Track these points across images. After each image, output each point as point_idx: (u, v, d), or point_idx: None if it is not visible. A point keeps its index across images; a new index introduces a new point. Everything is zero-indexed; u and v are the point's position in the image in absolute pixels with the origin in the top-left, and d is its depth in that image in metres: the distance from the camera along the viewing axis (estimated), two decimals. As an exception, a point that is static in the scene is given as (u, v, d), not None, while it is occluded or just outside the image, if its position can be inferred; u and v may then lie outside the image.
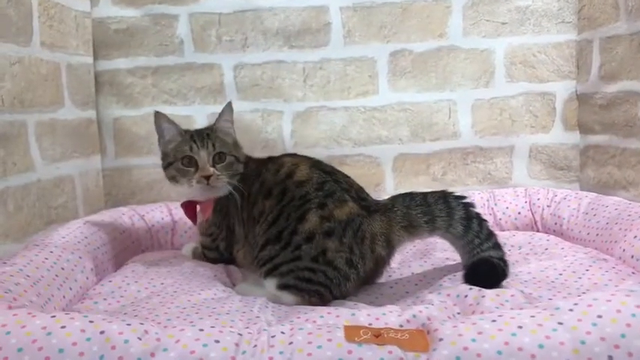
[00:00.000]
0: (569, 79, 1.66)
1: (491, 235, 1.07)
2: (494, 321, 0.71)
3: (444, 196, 1.07)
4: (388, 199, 1.10)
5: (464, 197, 1.09)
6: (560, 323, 0.69)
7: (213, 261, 1.29)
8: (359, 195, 1.09)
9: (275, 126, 1.68)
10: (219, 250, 1.29)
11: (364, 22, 1.64)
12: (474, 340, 0.68)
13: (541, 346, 0.67)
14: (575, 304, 0.72)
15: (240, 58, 1.66)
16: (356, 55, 1.66)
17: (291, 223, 1.03)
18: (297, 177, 1.09)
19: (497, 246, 1.07)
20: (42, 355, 0.67)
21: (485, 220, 1.09)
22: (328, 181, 1.07)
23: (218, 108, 1.64)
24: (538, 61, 1.66)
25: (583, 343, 0.67)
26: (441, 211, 1.05)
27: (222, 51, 1.66)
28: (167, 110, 1.65)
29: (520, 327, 0.69)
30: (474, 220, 1.06)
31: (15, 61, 1.25)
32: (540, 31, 1.65)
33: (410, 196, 1.08)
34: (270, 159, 1.22)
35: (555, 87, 1.67)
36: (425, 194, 1.08)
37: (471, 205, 1.08)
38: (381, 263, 1.09)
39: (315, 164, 1.13)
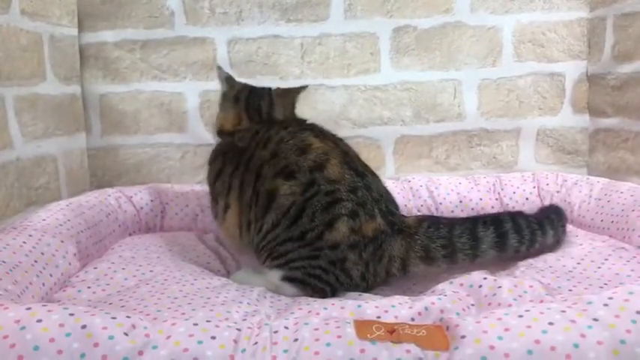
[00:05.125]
0: (580, 59, 1.58)
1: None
2: (521, 316, 0.64)
3: (473, 226, 0.99)
4: (415, 219, 1.02)
5: (496, 216, 1.04)
6: (596, 320, 0.62)
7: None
8: (388, 207, 1.00)
9: (270, 105, 1.59)
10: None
11: (366, -5, 1.55)
12: (500, 338, 0.61)
13: (576, 346, 0.59)
14: (610, 298, 0.65)
15: (235, 32, 1.57)
16: (357, 31, 1.57)
17: (317, 226, 0.95)
18: (327, 173, 0.98)
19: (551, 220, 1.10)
20: (14, 353, 0.58)
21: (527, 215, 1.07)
22: (360, 188, 0.98)
23: (210, 85, 1.57)
24: (547, 39, 1.58)
25: (623, 342, 0.59)
26: (464, 244, 0.97)
27: (215, 24, 1.56)
28: (156, 87, 1.58)
29: (551, 323, 0.62)
30: (510, 233, 1.01)
31: (-9, 29, 1.16)
32: (550, 8, 1.57)
33: (436, 224, 0.99)
34: (281, 124, 1.11)
35: (565, 67, 1.59)
36: (453, 224, 0.99)
37: (501, 221, 1.02)
38: (392, 279, 1.03)
39: (345, 158, 1.02)
